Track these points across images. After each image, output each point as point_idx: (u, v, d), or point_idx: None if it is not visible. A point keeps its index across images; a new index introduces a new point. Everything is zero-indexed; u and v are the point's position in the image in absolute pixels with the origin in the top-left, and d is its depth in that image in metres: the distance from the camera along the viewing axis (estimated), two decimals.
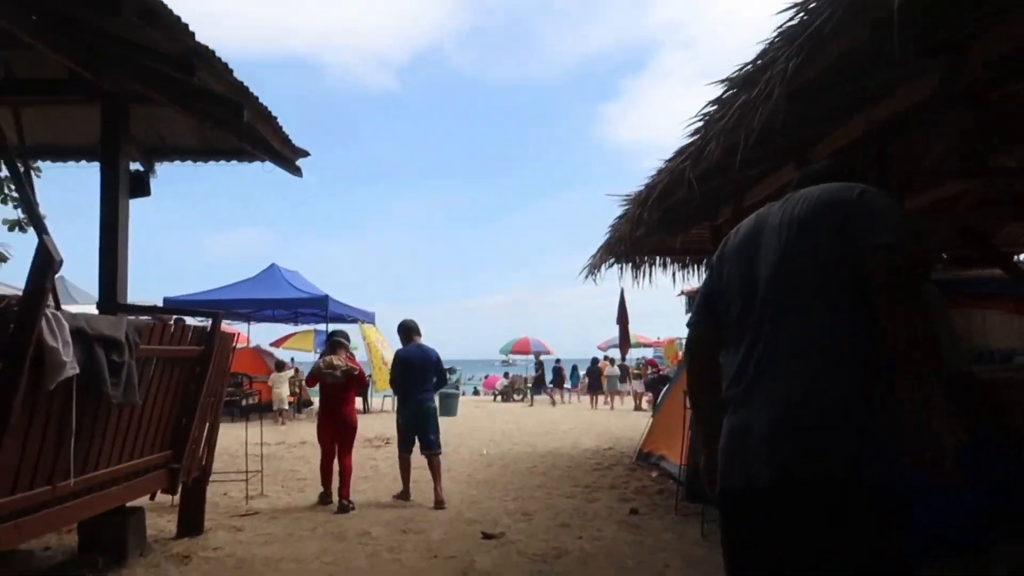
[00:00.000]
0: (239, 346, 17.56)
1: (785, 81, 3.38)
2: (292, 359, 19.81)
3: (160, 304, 13.49)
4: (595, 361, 23.86)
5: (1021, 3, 2.99)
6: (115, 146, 5.15)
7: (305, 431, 12.96)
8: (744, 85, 4.00)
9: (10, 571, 4.43)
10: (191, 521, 5.44)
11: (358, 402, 18.08)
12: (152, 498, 5.29)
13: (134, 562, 4.66)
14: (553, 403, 23.92)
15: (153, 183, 5.76)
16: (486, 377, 36.41)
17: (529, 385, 26.36)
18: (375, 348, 18.05)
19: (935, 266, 6.51)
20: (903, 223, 1.70)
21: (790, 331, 1.75)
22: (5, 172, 6.68)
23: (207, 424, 5.48)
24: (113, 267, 5.09)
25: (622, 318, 11.15)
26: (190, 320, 6.64)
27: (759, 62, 3.89)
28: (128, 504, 4.81)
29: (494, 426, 15.38)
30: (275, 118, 5.26)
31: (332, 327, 12.58)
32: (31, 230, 6.38)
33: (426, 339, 7.42)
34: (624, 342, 12.25)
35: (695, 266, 10.05)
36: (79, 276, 16.10)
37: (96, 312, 5.03)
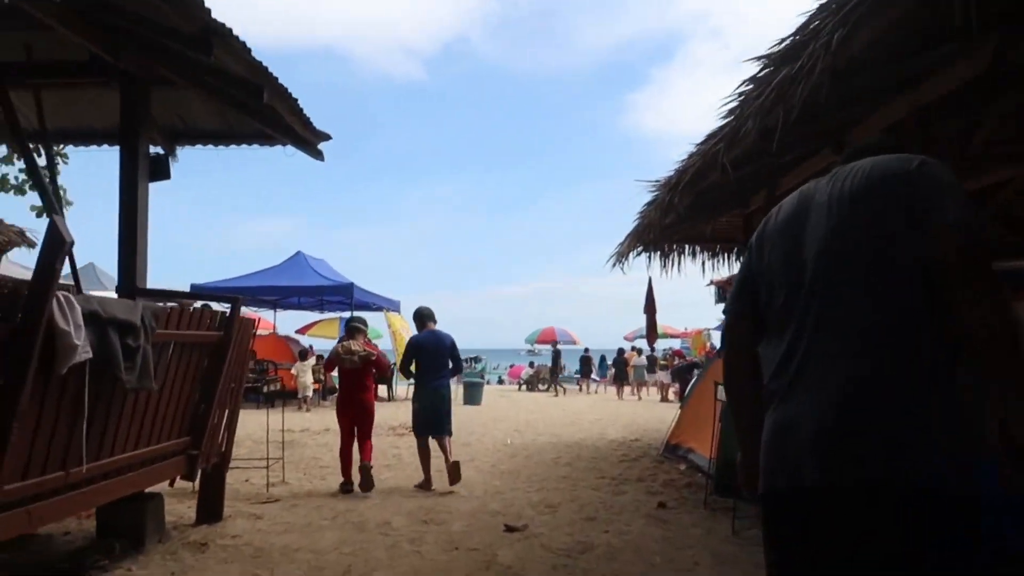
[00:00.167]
0: (262, 333, 17.65)
1: (830, 54, 3.18)
2: (311, 346, 19.79)
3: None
4: (621, 351, 23.66)
5: None
6: (134, 128, 5.07)
7: (330, 418, 12.93)
8: (784, 61, 3.80)
9: (28, 556, 4.40)
10: (210, 508, 5.39)
11: (382, 390, 18.24)
12: (171, 484, 5.24)
13: (152, 548, 4.61)
14: (580, 389, 23.83)
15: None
16: (511, 367, 36.38)
17: (544, 376, 26.23)
18: (400, 336, 18.00)
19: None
20: (970, 199, 1.51)
21: (842, 316, 1.57)
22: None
23: (227, 410, 5.41)
24: (132, 251, 5.02)
25: (650, 307, 10.93)
26: (216, 306, 6.61)
27: (798, 37, 3.69)
28: (147, 490, 4.77)
29: (519, 416, 15.27)
30: (296, 100, 5.14)
31: (357, 315, 12.56)
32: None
33: (452, 328, 7.46)
34: (651, 331, 12.02)
35: (726, 255, 9.81)
36: (110, 263, 16.22)
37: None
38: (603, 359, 29.46)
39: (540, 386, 26.08)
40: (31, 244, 9.26)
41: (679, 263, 9.63)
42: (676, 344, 28.27)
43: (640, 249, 8.90)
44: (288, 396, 15.10)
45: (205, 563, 4.42)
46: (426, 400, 7.06)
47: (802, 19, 3.61)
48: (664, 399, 20.85)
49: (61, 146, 7.84)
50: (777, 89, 3.79)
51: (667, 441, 8.86)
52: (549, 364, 26.18)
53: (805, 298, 1.65)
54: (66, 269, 5.30)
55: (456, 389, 18.13)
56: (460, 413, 15.28)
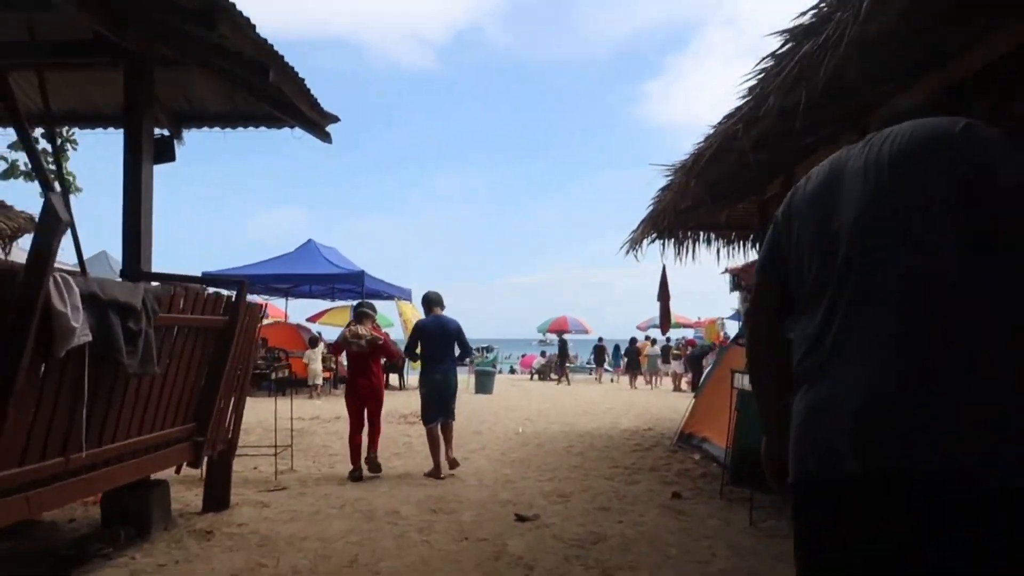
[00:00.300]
0: (271, 320, 17.58)
1: (858, 24, 3.02)
2: (319, 333, 19.69)
3: None
4: (634, 341, 23.53)
5: None
6: (139, 109, 4.97)
7: (341, 406, 12.88)
8: (807, 35, 3.64)
9: (32, 543, 4.34)
10: (217, 495, 5.32)
11: (394, 379, 18.19)
12: (178, 471, 5.16)
13: (157, 536, 4.54)
14: (596, 379, 23.76)
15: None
16: (523, 356, 36.30)
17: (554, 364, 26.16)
18: (411, 326, 17.93)
19: None
20: None
21: (884, 289, 1.42)
22: (44, 145, 6.63)
23: (233, 397, 5.33)
24: (136, 233, 4.94)
25: (663, 295, 10.77)
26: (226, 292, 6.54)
27: (823, 7, 3.53)
28: (152, 477, 4.70)
29: (530, 405, 15.18)
30: (302, 80, 5.03)
31: (366, 301, 12.49)
32: (71, 201, 6.28)
33: (464, 318, 7.47)
34: (665, 320, 11.87)
35: (741, 242, 9.65)
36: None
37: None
38: (617, 349, 29.31)
39: (552, 376, 26.01)
40: None
41: (694, 251, 9.49)
42: (690, 334, 28.05)
43: (654, 236, 8.76)
44: (299, 384, 15.07)
45: (210, 551, 4.34)
46: (431, 385, 7.04)
47: None
48: (677, 388, 20.73)
49: (69, 131, 7.78)
50: (800, 64, 3.63)
51: (681, 430, 8.73)
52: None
53: (840, 270, 1.50)
54: (74, 257, 5.25)
55: (468, 378, 18.11)
56: (471, 402, 15.25)
